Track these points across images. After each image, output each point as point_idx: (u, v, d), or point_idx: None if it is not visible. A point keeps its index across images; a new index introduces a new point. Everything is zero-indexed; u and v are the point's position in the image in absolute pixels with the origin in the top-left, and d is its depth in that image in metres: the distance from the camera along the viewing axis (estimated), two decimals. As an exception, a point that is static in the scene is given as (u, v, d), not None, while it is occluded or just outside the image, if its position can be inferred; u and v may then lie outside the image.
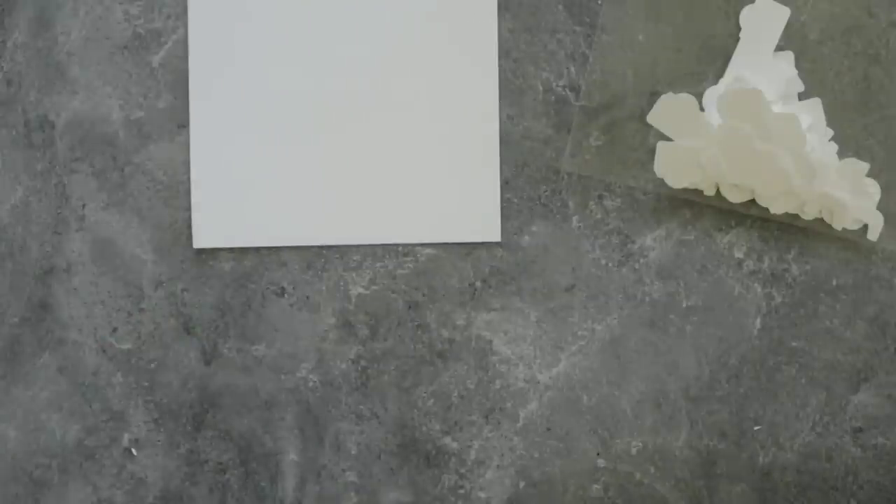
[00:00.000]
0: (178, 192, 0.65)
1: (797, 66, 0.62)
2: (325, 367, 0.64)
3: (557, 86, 0.64)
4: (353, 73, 0.64)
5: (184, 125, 0.64)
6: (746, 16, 0.62)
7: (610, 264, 0.63)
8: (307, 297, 0.64)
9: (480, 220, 0.64)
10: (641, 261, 0.63)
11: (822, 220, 0.61)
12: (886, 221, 0.61)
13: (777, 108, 0.60)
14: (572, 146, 0.63)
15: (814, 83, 0.62)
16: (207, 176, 0.64)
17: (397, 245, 0.64)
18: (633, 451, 0.63)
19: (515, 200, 0.64)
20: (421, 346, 0.64)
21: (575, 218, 0.64)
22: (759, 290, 0.63)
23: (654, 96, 0.61)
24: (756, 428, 0.63)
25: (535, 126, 0.64)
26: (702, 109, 0.61)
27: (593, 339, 0.64)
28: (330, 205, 0.64)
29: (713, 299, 0.63)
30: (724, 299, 0.63)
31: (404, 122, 0.64)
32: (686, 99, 0.60)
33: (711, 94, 0.61)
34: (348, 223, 0.64)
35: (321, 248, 0.64)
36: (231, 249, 0.65)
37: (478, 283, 0.64)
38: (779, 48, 0.62)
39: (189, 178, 0.64)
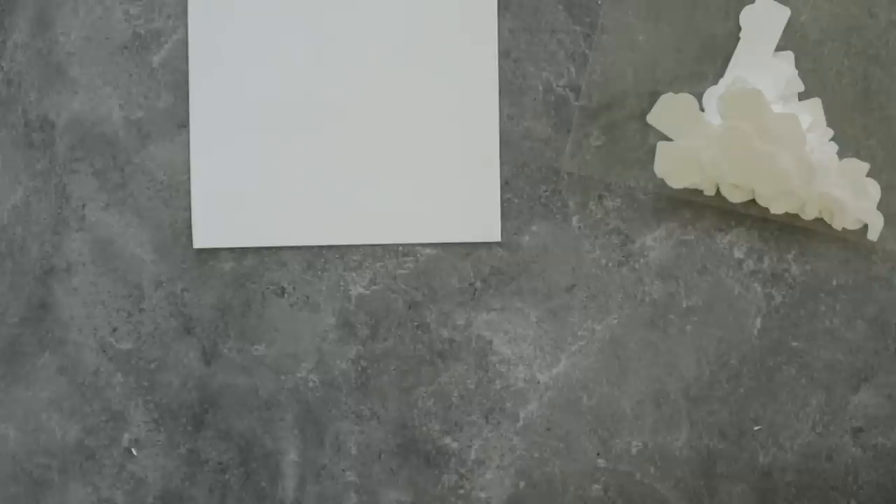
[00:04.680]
0: (178, 192, 0.65)
1: (797, 66, 0.62)
2: (325, 367, 0.64)
3: (557, 86, 0.64)
4: (353, 73, 0.64)
5: (184, 125, 0.64)
6: (746, 16, 0.62)
7: (610, 264, 0.63)
8: (307, 297, 0.64)
9: (480, 220, 0.64)
10: (641, 261, 0.63)
11: (822, 220, 0.61)
12: (886, 221, 0.61)
13: (777, 108, 0.60)
14: (572, 146, 0.63)
15: (814, 83, 0.62)
16: (207, 176, 0.64)
17: (397, 245, 0.64)
18: (633, 451, 0.63)
19: (515, 200, 0.64)
20: (421, 346, 0.64)
21: (575, 218, 0.64)
22: (759, 290, 0.63)
23: (654, 96, 0.61)
24: (756, 428, 0.63)
25: (535, 126, 0.64)
26: (702, 109, 0.61)
27: (593, 339, 0.64)
28: (330, 205, 0.64)
29: (713, 299, 0.63)
30: (724, 299, 0.63)
31: (404, 122, 0.64)
32: (686, 99, 0.60)
33: (711, 94, 0.61)
34: (348, 223, 0.64)
35: (321, 248, 0.64)
36: (231, 249, 0.65)
37: (478, 283, 0.64)
38: (779, 48, 0.62)
39: (189, 178, 0.64)
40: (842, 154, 0.61)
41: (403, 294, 0.64)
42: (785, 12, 0.61)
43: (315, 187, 0.64)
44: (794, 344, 0.63)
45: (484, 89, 0.64)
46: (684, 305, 0.63)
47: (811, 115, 0.61)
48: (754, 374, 0.63)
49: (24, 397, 0.65)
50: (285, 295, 0.64)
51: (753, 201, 0.61)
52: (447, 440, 0.64)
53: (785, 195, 0.60)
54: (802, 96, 0.62)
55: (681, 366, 0.63)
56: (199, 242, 0.64)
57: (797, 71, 0.61)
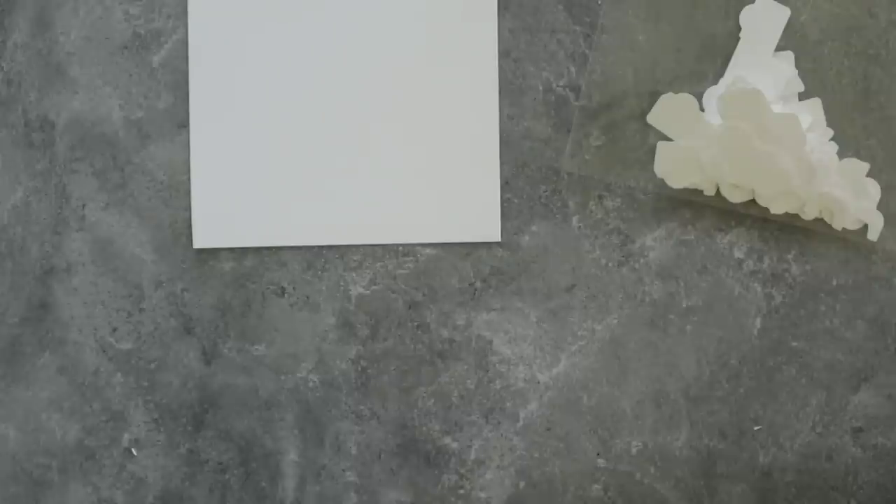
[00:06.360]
0: (178, 192, 0.65)
1: (797, 66, 0.62)
2: (325, 367, 0.64)
3: (557, 86, 0.64)
4: (353, 72, 0.64)
5: (184, 125, 0.64)
6: (746, 16, 0.62)
7: (610, 264, 0.63)
8: (307, 297, 0.64)
9: (480, 220, 0.64)
10: (641, 261, 0.63)
11: (822, 220, 0.61)
12: (886, 221, 0.61)
13: (777, 108, 0.60)
14: (572, 146, 0.63)
15: (814, 83, 0.62)
16: (207, 176, 0.64)
17: (397, 245, 0.64)
18: (633, 451, 0.63)
19: (515, 200, 0.64)
20: (421, 346, 0.64)
21: (575, 218, 0.64)
22: (759, 290, 0.63)
23: (654, 96, 0.61)
24: (756, 428, 0.63)
25: (535, 126, 0.64)
26: (702, 109, 0.61)
27: (593, 339, 0.64)
28: (330, 205, 0.64)
29: (713, 299, 0.63)
30: (724, 299, 0.63)
31: (404, 122, 0.64)
32: (686, 99, 0.60)
33: (711, 94, 0.61)
34: (348, 223, 0.64)
35: (321, 248, 0.64)
36: (231, 249, 0.65)
37: (478, 283, 0.64)
38: (779, 48, 0.62)
39: (189, 178, 0.64)
40: (842, 154, 0.61)
41: (403, 294, 0.64)
42: (785, 12, 0.61)
43: (315, 187, 0.64)
44: (794, 344, 0.63)
45: (484, 89, 0.64)
46: (684, 305, 0.63)
47: (811, 115, 0.61)
48: (754, 374, 0.63)
49: (24, 397, 0.65)
50: (285, 295, 0.64)
51: (753, 201, 0.61)
52: (447, 440, 0.64)
53: (785, 195, 0.60)
54: (802, 96, 0.62)
55: (681, 366, 0.63)
56: (199, 242, 0.64)
57: (797, 71, 0.61)
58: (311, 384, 0.65)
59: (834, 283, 0.63)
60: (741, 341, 0.63)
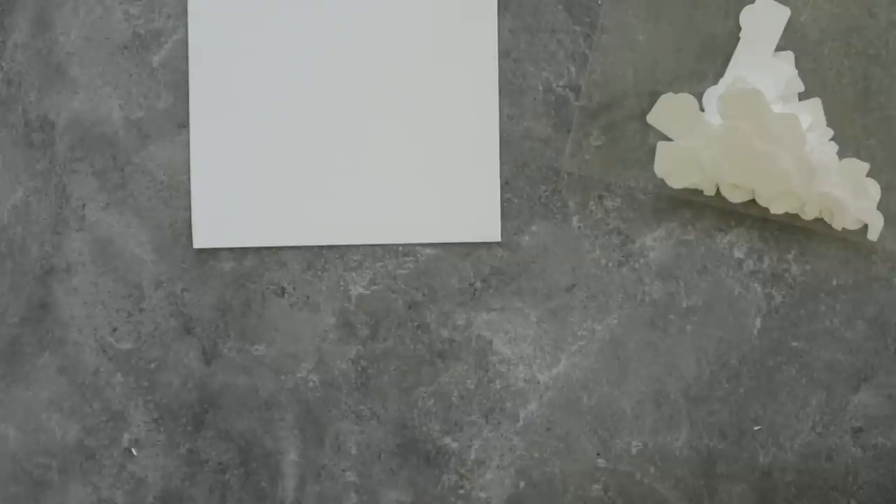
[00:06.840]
0: (178, 192, 0.65)
1: (797, 66, 0.62)
2: (325, 367, 0.64)
3: (557, 86, 0.64)
4: (354, 72, 0.64)
5: (184, 125, 0.64)
6: (746, 16, 0.62)
7: (610, 264, 0.63)
8: (307, 297, 0.64)
9: (480, 220, 0.64)
10: (641, 261, 0.63)
11: (822, 220, 0.61)
12: (886, 221, 0.61)
13: (777, 108, 0.60)
14: (572, 146, 0.63)
15: (814, 83, 0.62)
16: (207, 176, 0.64)
17: (397, 245, 0.64)
18: (633, 451, 0.63)
19: (515, 200, 0.64)
20: (421, 346, 0.64)
21: (575, 218, 0.64)
22: (759, 290, 0.63)
23: (654, 96, 0.61)
24: (756, 428, 0.63)
25: (535, 126, 0.64)
26: (702, 109, 0.61)
27: (593, 339, 0.64)
28: (330, 205, 0.64)
29: (713, 299, 0.63)
30: (724, 299, 0.63)
31: (404, 122, 0.64)
32: (686, 99, 0.60)
33: (711, 94, 0.61)
34: (348, 223, 0.64)
35: (321, 248, 0.64)
36: (231, 249, 0.65)
37: (478, 283, 0.64)
38: (779, 48, 0.62)
39: (189, 178, 0.64)
40: (842, 154, 0.61)
41: (403, 294, 0.64)
42: (785, 12, 0.61)
43: (315, 187, 0.64)
44: (794, 344, 0.63)
45: (484, 89, 0.64)
46: (684, 305, 0.63)
47: (811, 115, 0.61)
48: (754, 374, 0.63)
49: (24, 397, 0.65)
50: (285, 295, 0.64)
51: (753, 201, 0.61)
52: (447, 440, 0.64)
53: (785, 195, 0.60)
54: (802, 96, 0.62)
55: (681, 366, 0.63)
56: (199, 242, 0.64)
57: (797, 71, 0.61)
58: (311, 384, 0.65)
59: (834, 283, 0.63)
60: (741, 341, 0.63)
